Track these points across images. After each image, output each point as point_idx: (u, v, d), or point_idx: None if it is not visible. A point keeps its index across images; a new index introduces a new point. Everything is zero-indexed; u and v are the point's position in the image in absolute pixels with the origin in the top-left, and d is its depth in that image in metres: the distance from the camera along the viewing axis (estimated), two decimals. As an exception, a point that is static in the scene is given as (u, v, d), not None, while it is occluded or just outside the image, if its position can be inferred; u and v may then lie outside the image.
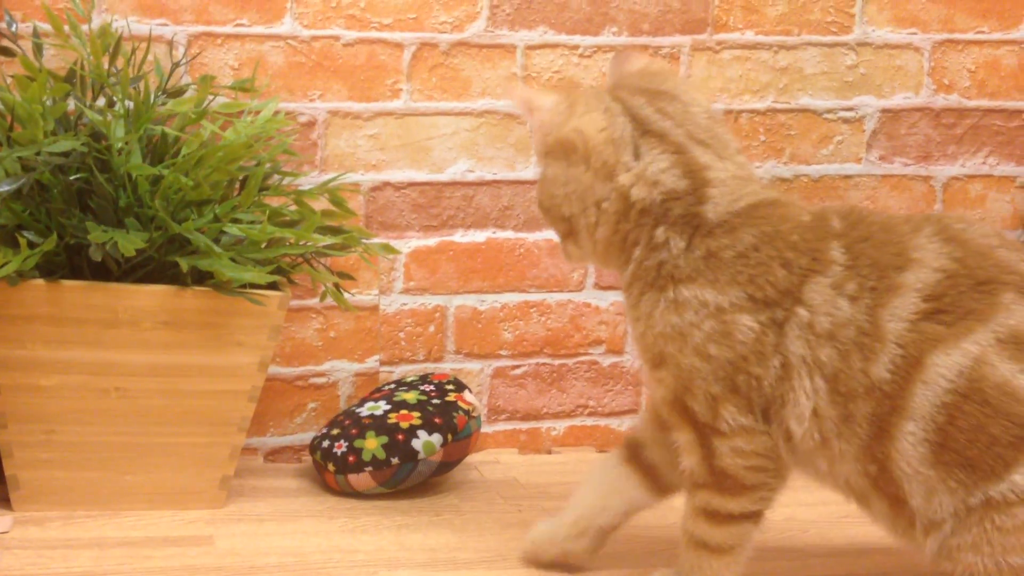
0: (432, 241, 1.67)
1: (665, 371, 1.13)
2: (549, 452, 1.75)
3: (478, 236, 1.69)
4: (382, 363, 1.68)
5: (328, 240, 1.40)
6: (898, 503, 1.07)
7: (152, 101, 1.39)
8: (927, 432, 1.03)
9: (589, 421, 1.76)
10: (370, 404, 1.58)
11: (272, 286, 1.39)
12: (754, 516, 1.14)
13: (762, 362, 1.08)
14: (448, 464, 1.52)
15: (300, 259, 1.47)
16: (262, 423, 1.64)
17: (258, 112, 1.43)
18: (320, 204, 1.49)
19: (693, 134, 1.14)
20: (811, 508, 1.50)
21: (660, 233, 1.12)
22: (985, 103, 1.77)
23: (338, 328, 1.65)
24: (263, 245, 1.36)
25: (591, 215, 1.15)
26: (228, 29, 1.57)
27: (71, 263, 1.35)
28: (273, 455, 1.66)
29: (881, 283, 1.06)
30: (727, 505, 1.13)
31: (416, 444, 1.49)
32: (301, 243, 1.41)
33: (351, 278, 1.57)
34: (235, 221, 1.36)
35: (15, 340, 1.32)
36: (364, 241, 1.45)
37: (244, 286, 1.35)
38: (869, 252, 1.08)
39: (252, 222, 1.37)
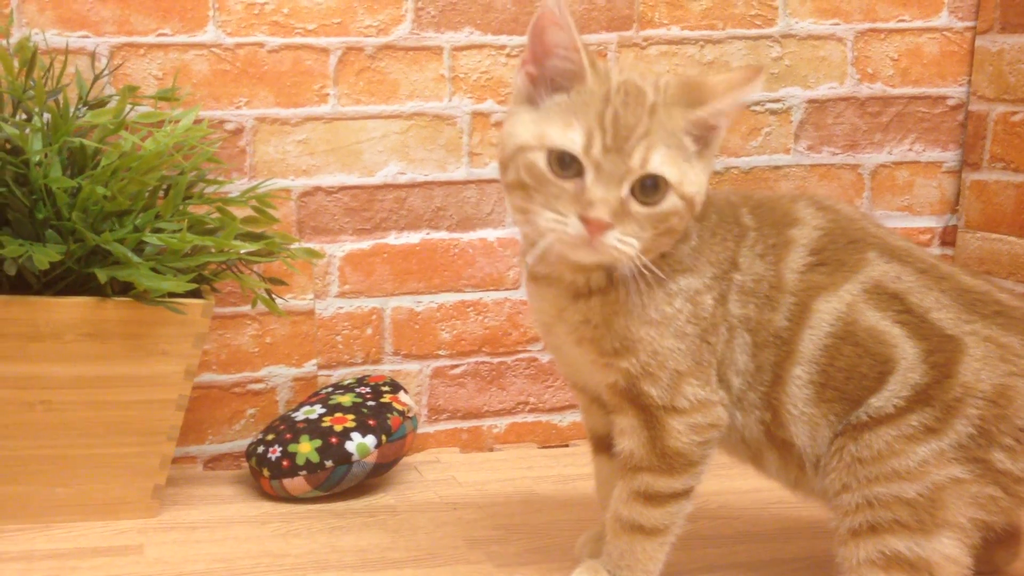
0: (366, 244, 1.68)
1: (632, 357, 1.11)
2: (491, 450, 1.76)
3: (412, 237, 1.69)
4: (320, 367, 1.68)
5: (250, 247, 1.40)
6: (786, 448, 1.15)
7: (72, 113, 1.39)
8: (811, 374, 1.13)
9: (530, 417, 1.77)
10: (306, 408, 1.58)
11: (196, 294, 1.40)
12: (690, 492, 1.18)
13: (715, 332, 1.15)
14: (383, 466, 1.53)
15: (224, 266, 1.47)
16: (201, 431, 1.64)
17: (178, 121, 1.43)
18: (247, 211, 1.50)
19: None
20: (744, 496, 1.52)
21: None
22: (909, 90, 1.79)
23: (274, 333, 1.66)
24: (184, 254, 1.36)
25: None
26: (151, 39, 1.57)
27: (-8, 278, 1.35)
28: (212, 463, 1.66)
29: (779, 239, 1.16)
30: (672, 484, 1.15)
31: (350, 446, 1.50)
32: (224, 250, 1.41)
33: (283, 283, 1.57)
34: (157, 231, 1.36)
35: (-62, 356, 1.32)
36: (287, 247, 1.46)
37: (167, 296, 1.35)
38: (766, 215, 1.18)
39: (175, 231, 1.37)
